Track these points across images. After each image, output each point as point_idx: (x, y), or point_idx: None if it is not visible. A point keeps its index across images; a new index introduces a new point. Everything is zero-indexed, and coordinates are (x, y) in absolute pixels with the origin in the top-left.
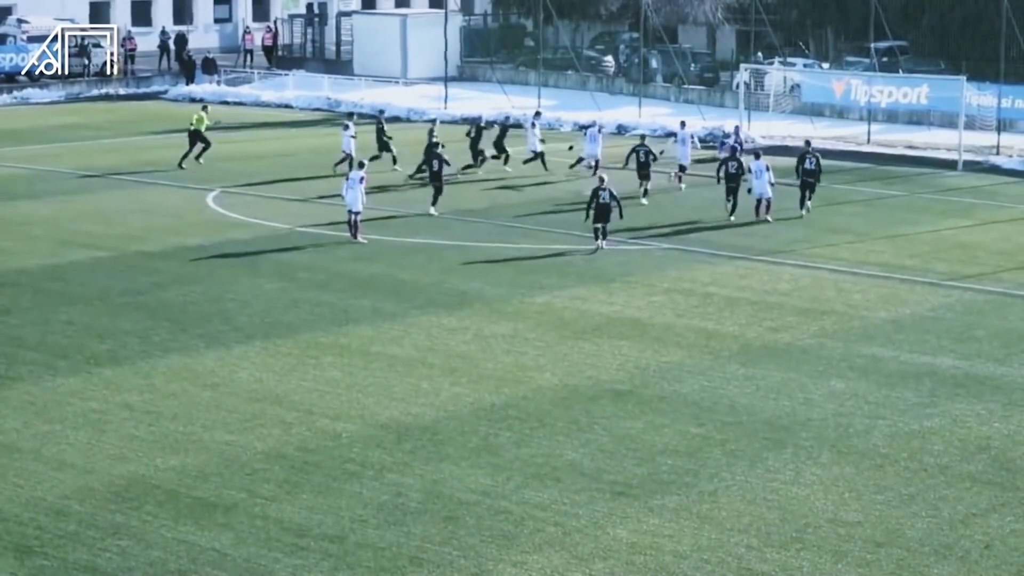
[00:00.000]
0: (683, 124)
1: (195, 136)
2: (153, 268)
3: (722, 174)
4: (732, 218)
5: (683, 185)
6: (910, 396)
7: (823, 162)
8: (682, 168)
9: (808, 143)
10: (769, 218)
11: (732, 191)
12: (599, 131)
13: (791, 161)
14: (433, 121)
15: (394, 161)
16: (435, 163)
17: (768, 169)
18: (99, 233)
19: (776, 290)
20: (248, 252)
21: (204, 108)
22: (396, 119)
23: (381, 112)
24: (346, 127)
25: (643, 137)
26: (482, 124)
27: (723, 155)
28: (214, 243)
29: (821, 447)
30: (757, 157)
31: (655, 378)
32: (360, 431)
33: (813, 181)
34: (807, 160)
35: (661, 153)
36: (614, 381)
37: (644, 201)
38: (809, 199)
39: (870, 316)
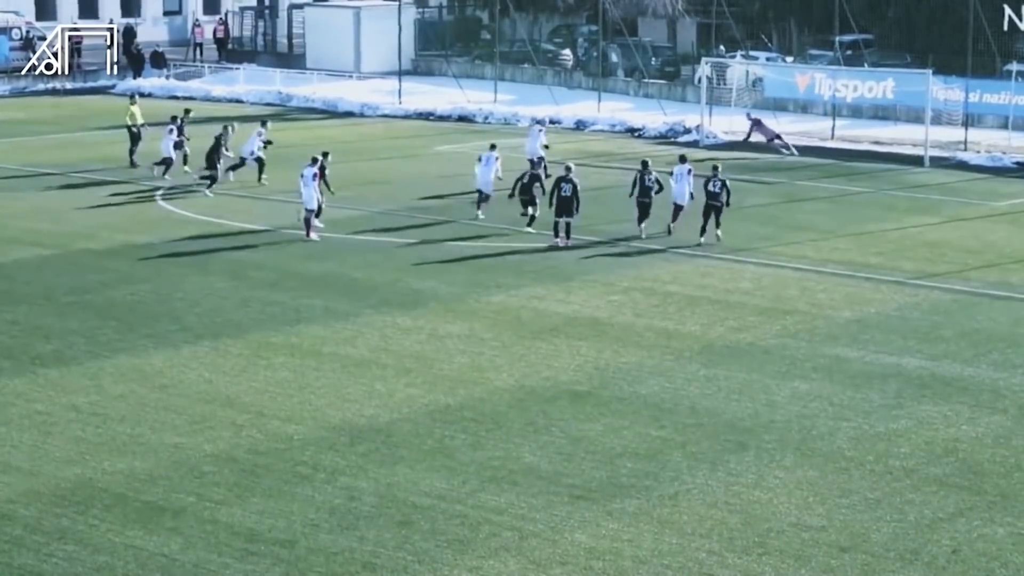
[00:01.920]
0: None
1: (133, 133)
2: (100, 267)
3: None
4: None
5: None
6: (875, 397)
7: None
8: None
9: (716, 168)
10: (672, 226)
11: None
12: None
13: (754, 157)
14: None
15: (184, 161)
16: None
17: (690, 173)
18: (45, 231)
19: (738, 289)
20: (198, 250)
21: (133, 101)
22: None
23: (187, 112)
24: (170, 131)
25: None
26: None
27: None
28: (163, 241)
29: (784, 450)
30: (683, 160)
31: (614, 379)
32: (312, 433)
33: (719, 205)
34: (711, 183)
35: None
36: (572, 382)
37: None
38: (717, 227)
39: (834, 316)
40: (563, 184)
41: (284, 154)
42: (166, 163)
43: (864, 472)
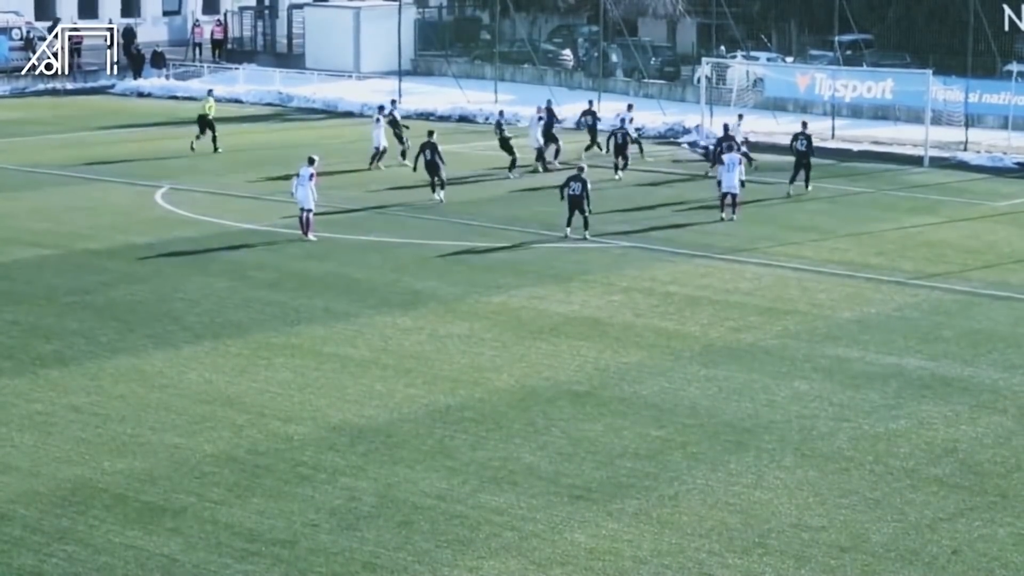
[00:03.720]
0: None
1: (204, 122)
2: (100, 267)
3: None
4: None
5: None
6: (876, 398)
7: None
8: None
9: (804, 124)
10: (735, 216)
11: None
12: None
13: (754, 156)
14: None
15: (403, 155)
16: (428, 152)
17: (741, 163)
18: (45, 231)
19: (738, 289)
20: (197, 250)
21: (210, 92)
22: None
23: (393, 103)
24: (377, 120)
25: (623, 121)
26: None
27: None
28: (163, 241)
29: (784, 450)
30: (731, 149)
31: (614, 379)
32: (312, 433)
33: (805, 162)
34: (799, 140)
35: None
36: (572, 382)
37: (618, 176)
38: (807, 183)
39: (834, 316)
40: (572, 183)
41: (284, 154)
42: (379, 153)
43: (864, 472)
